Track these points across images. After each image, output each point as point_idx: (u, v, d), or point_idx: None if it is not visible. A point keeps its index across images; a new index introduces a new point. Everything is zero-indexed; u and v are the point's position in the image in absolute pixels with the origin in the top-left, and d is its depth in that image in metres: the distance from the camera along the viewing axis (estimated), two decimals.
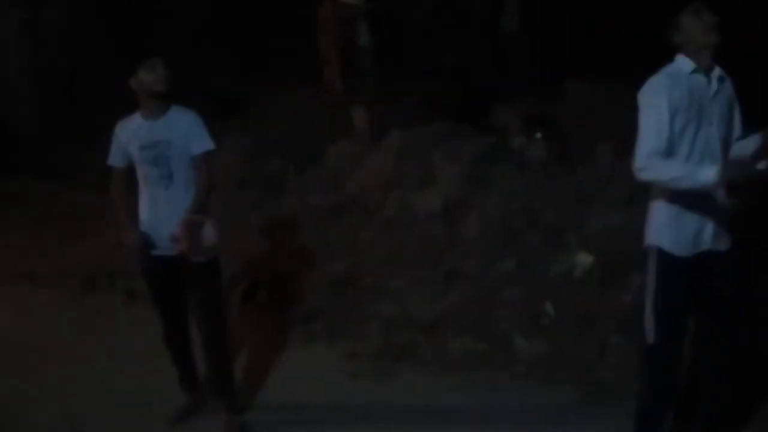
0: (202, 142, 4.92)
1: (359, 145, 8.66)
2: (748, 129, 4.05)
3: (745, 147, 3.88)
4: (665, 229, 4.07)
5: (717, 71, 3.96)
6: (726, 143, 3.98)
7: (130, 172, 5.00)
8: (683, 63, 3.96)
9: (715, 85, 3.94)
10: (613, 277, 5.85)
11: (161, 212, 4.89)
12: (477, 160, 7.43)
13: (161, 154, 4.84)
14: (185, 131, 4.88)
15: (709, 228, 3.99)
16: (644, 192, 6.30)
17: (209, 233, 4.79)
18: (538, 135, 7.78)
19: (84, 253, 8.77)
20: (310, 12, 9.19)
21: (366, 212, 7.61)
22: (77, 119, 12.41)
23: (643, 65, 8.45)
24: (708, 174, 3.74)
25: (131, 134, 4.91)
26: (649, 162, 3.91)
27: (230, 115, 10.48)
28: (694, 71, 3.93)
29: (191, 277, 4.91)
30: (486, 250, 6.56)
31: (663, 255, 4.03)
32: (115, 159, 5.01)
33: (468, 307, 6.10)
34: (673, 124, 3.88)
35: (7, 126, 13.07)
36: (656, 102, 3.92)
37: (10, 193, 11.68)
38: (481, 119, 8.32)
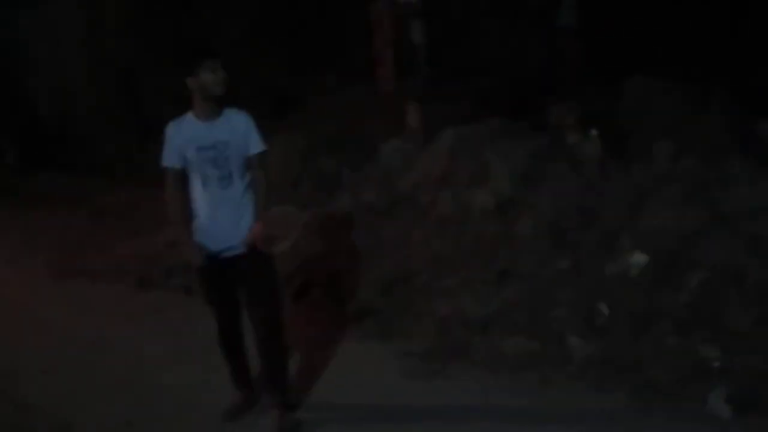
0: (257, 143, 4.97)
1: (412, 143, 8.67)
2: None
3: None
4: None
5: None
6: None
7: (184, 174, 5.01)
8: None
9: None
10: (668, 277, 5.78)
11: (221, 212, 4.93)
12: (531, 158, 7.40)
13: (220, 155, 4.88)
14: (242, 132, 4.92)
15: None
16: (698, 191, 6.27)
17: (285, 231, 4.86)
18: (593, 133, 7.70)
19: (140, 249, 8.90)
20: (364, 10, 9.21)
21: (419, 210, 7.61)
22: (134, 117, 12.59)
23: (700, 64, 8.40)
24: None
25: (187, 135, 4.93)
26: None
27: (285, 113, 10.56)
28: None
29: (248, 273, 4.95)
30: (539, 249, 6.52)
31: None
32: (170, 160, 4.99)
33: (521, 306, 6.07)
34: None
35: (66, 124, 13.32)
36: None
37: (67, 189, 11.91)
38: (535, 117, 8.27)
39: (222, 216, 4.92)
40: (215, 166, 4.90)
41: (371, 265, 7.10)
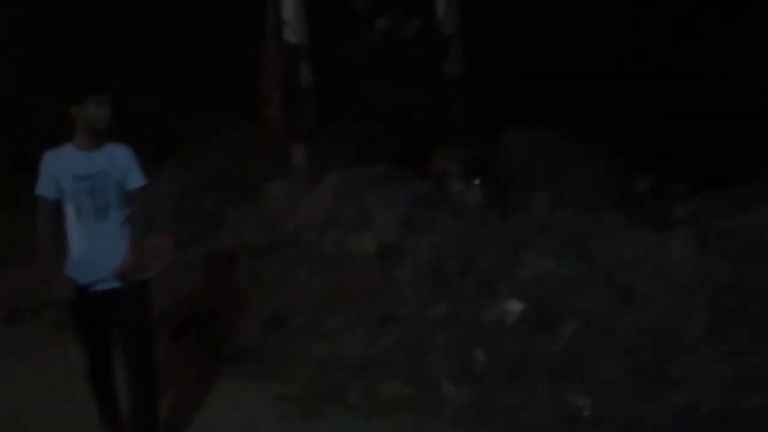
0: (138, 177, 4.93)
1: (298, 184, 8.66)
2: None
3: None
4: None
5: None
6: None
7: (59, 204, 4.89)
8: None
9: None
10: (542, 325, 5.89)
11: (95, 245, 4.83)
12: (414, 204, 7.47)
13: (98, 186, 4.81)
14: (122, 165, 4.88)
15: None
16: (574, 242, 6.43)
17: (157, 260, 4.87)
18: (476, 181, 7.85)
19: (10, 283, 8.61)
20: (253, 49, 9.20)
21: (302, 252, 7.59)
22: (13, 148, 12.25)
23: (582, 117, 8.66)
24: None
25: (65, 164, 4.84)
26: None
27: (170, 149, 10.43)
28: None
29: (122, 308, 4.85)
30: (420, 294, 6.57)
31: None
32: (45, 190, 4.88)
33: (400, 350, 6.09)
34: None
35: None
36: None
37: None
38: (420, 163, 8.38)
39: (96, 249, 4.82)
40: (92, 197, 4.81)
41: (251, 305, 7.03)
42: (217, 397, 5.91)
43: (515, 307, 6.07)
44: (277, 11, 8.96)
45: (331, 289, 6.98)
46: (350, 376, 5.97)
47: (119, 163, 4.89)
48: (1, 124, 12.56)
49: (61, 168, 4.84)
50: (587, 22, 9.43)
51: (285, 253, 7.59)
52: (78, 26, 12.34)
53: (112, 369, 5.08)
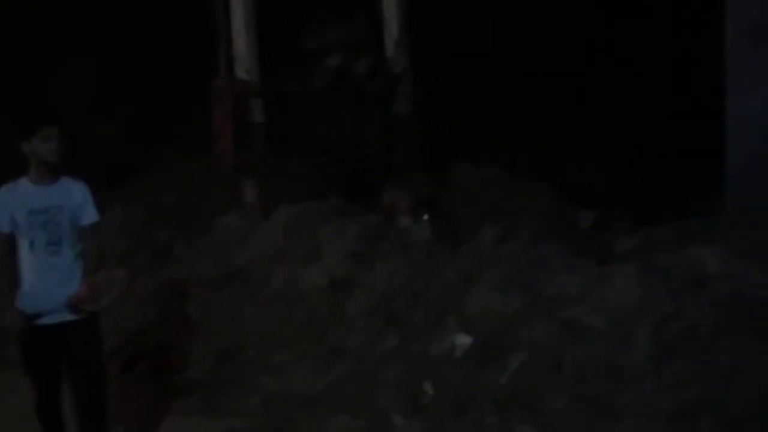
0: (91, 213, 4.98)
1: (248, 218, 8.70)
2: None
3: None
4: None
5: None
6: None
7: (13, 238, 4.92)
8: None
9: None
10: (490, 357, 5.98)
11: (47, 278, 4.86)
12: (363, 239, 7.55)
13: (51, 220, 4.85)
14: (77, 201, 4.94)
15: None
16: (520, 275, 6.56)
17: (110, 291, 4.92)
18: (424, 217, 7.97)
19: None
20: (206, 84, 9.25)
21: (252, 285, 7.62)
22: None
23: (528, 153, 8.83)
24: None
25: (19, 199, 4.88)
26: None
27: (120, 183, 10.40)
28: None
29: (72, 341, 4.87)
30: (369, 327, 6.64)
31: None
32: (1, 224, 4.92)
33: (349, 383, 6.14)
34: None
35: None
36: None
37: None
38: (369, 198, 8.46)
39: (48, 282, 4.85)
40: (45, 231, 4.84)
41: (202, 338, 7.04)
42: (166, 431, 5.91)
43: (463, 340, 6.16)
44: (229, 48, 9.04)
45: (282, 323, 7.02)
46: (300, 409, 6.00)
47: (74, 197, 4.94)
48: None
49: (16, 202, 4.87)
50: (531, 60, 9.66)
51: (235, 287, 7.61)
52: (30, 57, 12.29)
53: (60, 403, 5.07)
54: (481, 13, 9.86)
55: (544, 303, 6.27)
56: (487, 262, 6.82)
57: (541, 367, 5.82)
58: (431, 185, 8.65)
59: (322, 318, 6.93)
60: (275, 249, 7.81)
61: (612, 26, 9.61)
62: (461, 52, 9.72)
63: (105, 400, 4.96)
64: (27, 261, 4.90)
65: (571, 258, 6.71)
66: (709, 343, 5.27)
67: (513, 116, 9.53)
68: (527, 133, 9.31)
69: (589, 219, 7.87)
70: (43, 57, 12.12)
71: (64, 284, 4.86)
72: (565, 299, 6.26)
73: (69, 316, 4.86)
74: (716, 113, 8.24)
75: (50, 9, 12.04)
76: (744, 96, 8.16)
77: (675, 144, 8.38)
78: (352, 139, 8.86)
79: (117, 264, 7.81)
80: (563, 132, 9.25)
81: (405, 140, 8.91)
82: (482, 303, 6.40)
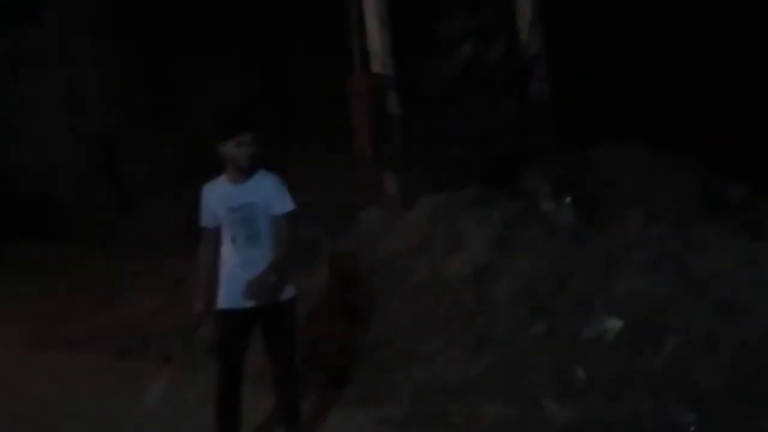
0: (282, 203, 5.33)
1: (390, 210, 8.77)
2: None
3: None
4: None
5: None
6: None
7: (218, 233, 5.36)
8: None
9: None
10: (642, 341, 5.86)
11: (248, 270, 5.21)
12: (506, 225, 7.51)
13: (248, 215, 5.24)
14: (269, 194, 5.30)
15: None
16: (670, 257, 6.39)
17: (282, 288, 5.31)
18: (567, 200, 7.85)
19: (119, 318, 8.90)
20: (340, 80, 9.36)
21: (397, 277, 7.68)
22: (114, 186, 12.64)
23: (672, 129, 8.60)
24: None
25: (220, 197, 5.31)
26: None
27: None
28: None
29: (272, 319, 5.32)
30: (515, 314, 6.60)
31: None
32: (206, 220, 5.37)
33: (498, 372, 6.13)
34: None
35: (47, 192, 13.34)
36: None
37: (47, 258, 11.90)
38: (510, 184, 8.40)
39: (249, 273, 5.20)
40: (244, 226, 5.25)
41: (350, 330, 7.15)
42: (320, 422, 6.03)
43: (614, 324, 6.07)
44: (363, 43, 9.13)
45: (428, 313, 7.05)
46: (450, 398, 6.02)
47: (265, 192, 5.29)
48: (105, 169, 12.97)
49: (216, 200, 5.32)
50: (670, 35, 9.38)
51: (381, 279, 7.68)
52: (168, 61, 12.72)
53: (240, 395, 5.38)
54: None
55: (696, 284, 6.11)
56: (634, 244, 6.69)
57: (696, 350, 5.68)
58: (572, 167, 8.52)
59: (468, 307, 6.93)
60: (418, 240, 7.85)
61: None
62: (597, 31, 9.51)
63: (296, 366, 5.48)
64: (230, 253, 5.31)
65: (723, 236, 6.52)
66: None
67: (654, 93, 9.28)
68: (669, 110, 9.06)
69: (739, 195, 7.59)
70: (181, 59, 12.52)
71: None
72: (717, 279, 6.10)
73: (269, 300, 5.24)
74: None
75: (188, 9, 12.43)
76: None
77: None
78: (489, 126, 8.81)
79: None
80: (707, 106, 8.96)
81: (543, 122, 8.81)
82: (631, 286, 6.30)
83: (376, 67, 9.00)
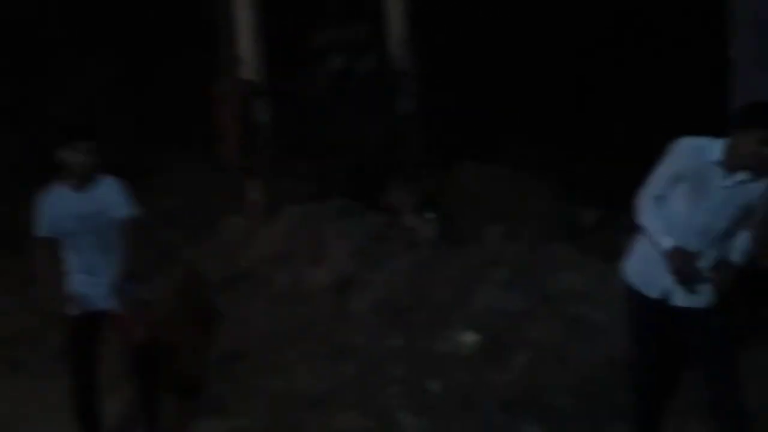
0: (127, 208, 5.29)
1: (253, 219, 8.71)
2: None
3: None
4: (635, 266, 4.48)
5: (742, 175, 4.15)
6: (719, 234, 4.24)
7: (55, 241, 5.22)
8: (715, 150, 4.16)
9: (729, 182, 4.16)
10: (495, 356, 5.99)
11: (95, 274, 5.17)
12: (368, 238, 7.57)
13: (91, 222, 5.14)
14: (112, 200, 5.23)
15: (671, 282, 4.29)
16: (525, 274, 6.57)
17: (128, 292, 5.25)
18: (430, 215, 7.98)
19: None
20: (208, 85, 9.25)
21: (257, 286, 7.63)
22: None
23: (530, 149, 8.84)
24: (665, 242, 4.17)
25: (60, 204, 5.14)
26: (642, 201, 4.29)
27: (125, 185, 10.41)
28: (717, 163, 4.16)
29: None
30: (374, 326, 6.64)
31: (632, 290, 4.48)
32: (43, 229, 5.19)
33: (355, 383, 6.14)
34: (672, 185, 4.21)
35: None
36: (672, 160, 4.23)
37: None
38: (374, 198, 8.47)
39: (95, 278, 5.19)
40: (87, 232, 5.15)
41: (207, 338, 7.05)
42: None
43: (469, 338, 6.18)
44: (231, 49, 9.03)
45: (287, 323, 7.02)
46: (307, 409, 6.00)
47: (109, 197, 5.22)
48: None
49: (57, 208, 5.15)
50: (534, 58, 9.66)
51: (241, 288, 7.62)
52: (33, 61, 12.32)
53: (98, 397, 5.37)
54: (484, 13, 9.87)
55: (550, 301, 6.29)
56: (492, 260, 6.83)
57: (547, 365, 5.84)
58: (436, 184, 8.65)
59: (328, 317, 6.94)
60: (280, 249, 7.82)
61: (617, 22, 9.61)
62: (465, 51, 9.72)
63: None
64: (75, 259, 5.22)
65: (577, 255, 6.73)
66: None
67: (517, 114, 9.53)
68: (531, 131, 9.32)
69: (593, 216, 7.88)
70: (46, 59, 12.17)
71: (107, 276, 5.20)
72: (570, 296, 6.29)
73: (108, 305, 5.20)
74: (722, 108, 8.22)
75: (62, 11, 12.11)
76: (751, 92, 8.15)
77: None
78: (356, 139, 8.86)
79: None
80: (567, 130, 9.26)
81: (409, 138, 8.91)
82: (487, 301, 6.44)
83: (246, 73, 8.92)
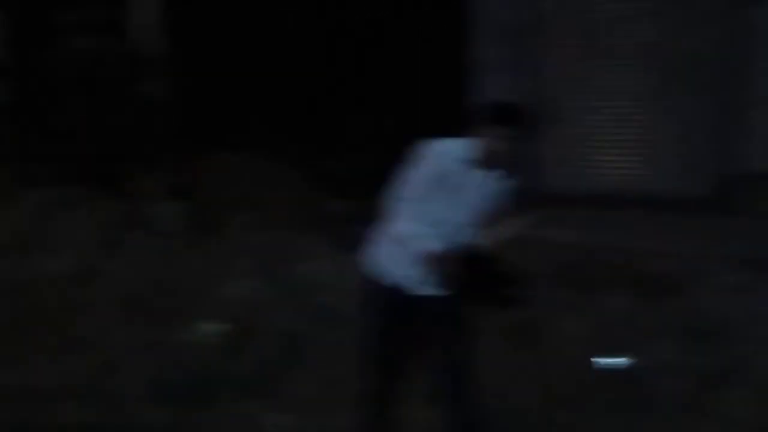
0: None
1: None
2: None
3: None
4: (374, 256, 4.52)
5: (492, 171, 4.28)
6: (472, 229, 4.35)
7: None
8: (465, 149, 4.26)
9: (481, 179, 4.28)
10: (240, 344, 6.00)
11: None
12: (111, 227, 7.37)
13: None
14: None
15: (409, 271, 4.36)
16: (272, 263, 6.62)
17: None
18: (176, 204, 7.87)
19: None
20: None
21: None
22: None
23: (283, 142, 8.89)
24: (422, 245, 4.24)
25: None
26: (395, 205, 4.32)
27: None
28: (468, 161, 4.26)
29: None
30: (115, 317, 6.48)
31: (367, 278, 4.53)
32: None
33: (94, 375, 5.96)
34: (424, 185, 4.25)
35: None
36: (424, 162, 4.27)
37: None
38: (120, 185, 8.24)
39: None
40: None
41: None
42: None
43: (212, 328, 6.14)
44: None
45: (18, 314, 6.71)
46: (39, 402, 5.76)
47: None
48: None
49: None
50: (283, 51, 9.73)
51: None
52: None
53: None
54: (235, 5, 9.84)
55: (295, 290, 6.36)
56: (238, 250, 6.83)
57: (290, 354, 5.91)
58: (184, 172, 8.53)
59: (63, 308, 6.69)
60: (17, 236, 7.47)
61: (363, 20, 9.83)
62: (218, 41, 9.65)
63: None
64: None
65: (323, 245, 6.85)
66: None
67: (270, 105, 9.57)
68: (284, 123, 9.38)
69: (341, 208, 8.03)
70: None
71: None
72: (316, 286, 6.39)
73: None
74: (463, 107, 8.61)
75: None
76: (491, 92, 8.61)
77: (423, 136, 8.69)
78: (101, 123, 8.59)
79: None
80: (320, 122, 9.39)
81: (157, 125, 8.75)
82: (232, 291, 6.42)
83: None
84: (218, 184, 8.25)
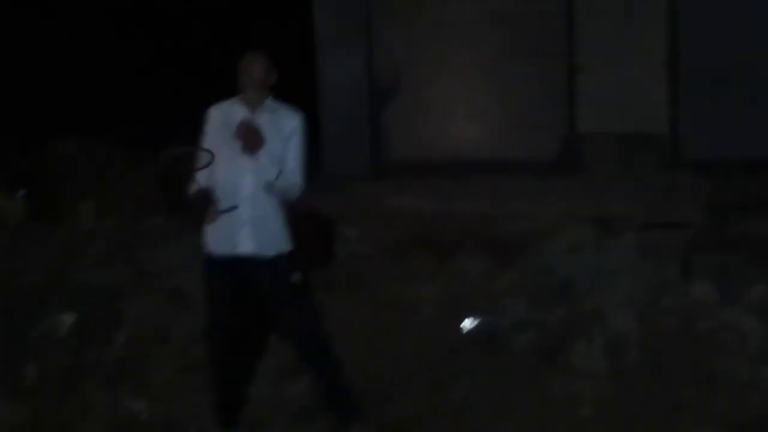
0: None
1: None
2: None
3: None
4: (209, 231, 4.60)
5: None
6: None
7: None
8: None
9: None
10: (95, 334, 5.87)
11: None
12: None
13: None
14: None
15: (238, 234, 4.47)
16: (121, 250, 6.50)
17: None
18: (19, 193, 7.63)
19: None
20: None
21: None
22: None
23: (128, 124, 8.74)
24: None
25: None
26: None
27: None
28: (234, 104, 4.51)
29: None
30: None
31: (207, 255, 4.64)
32: None
33: None
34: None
35: None
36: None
37: None
38: None
39: None
40: None
41: None
42: None
43: (66, 318, 6.01)
44: None
45: None
46: None
47: None
48: None
49: None
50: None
51: None
52: None
53: None
54: None
55: (147, 276, 6.27)
56: (86, 238, 6.69)
57: (148, 340, 5.83)
58: (27, 161, 8.29)
59: None
60: None
61: None
62: (49, 22, 9.41)
63: None
64: None
65: (173, 230, 6.76)
66: None
67: (117, 89, 9.42)
68: (129, 105, 9.23)
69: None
70: None
71: None
72: (167, 271, 6.32)
73: None
74: (311, 84, 8.68)
75: None
76: (334, 67, 8.68)
77: None
78: None
79: None
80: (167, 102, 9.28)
81: None
82: (84, 279, 6.30)
83: None
84: (64, 172, 8.05)
